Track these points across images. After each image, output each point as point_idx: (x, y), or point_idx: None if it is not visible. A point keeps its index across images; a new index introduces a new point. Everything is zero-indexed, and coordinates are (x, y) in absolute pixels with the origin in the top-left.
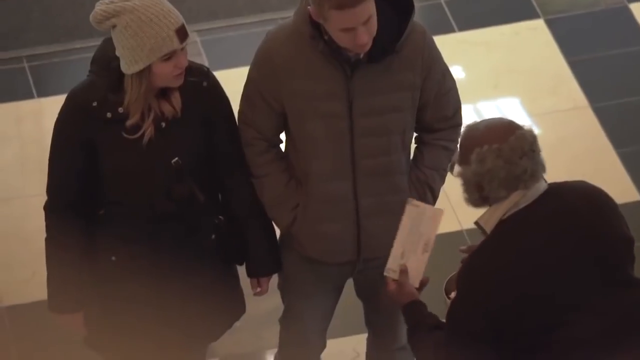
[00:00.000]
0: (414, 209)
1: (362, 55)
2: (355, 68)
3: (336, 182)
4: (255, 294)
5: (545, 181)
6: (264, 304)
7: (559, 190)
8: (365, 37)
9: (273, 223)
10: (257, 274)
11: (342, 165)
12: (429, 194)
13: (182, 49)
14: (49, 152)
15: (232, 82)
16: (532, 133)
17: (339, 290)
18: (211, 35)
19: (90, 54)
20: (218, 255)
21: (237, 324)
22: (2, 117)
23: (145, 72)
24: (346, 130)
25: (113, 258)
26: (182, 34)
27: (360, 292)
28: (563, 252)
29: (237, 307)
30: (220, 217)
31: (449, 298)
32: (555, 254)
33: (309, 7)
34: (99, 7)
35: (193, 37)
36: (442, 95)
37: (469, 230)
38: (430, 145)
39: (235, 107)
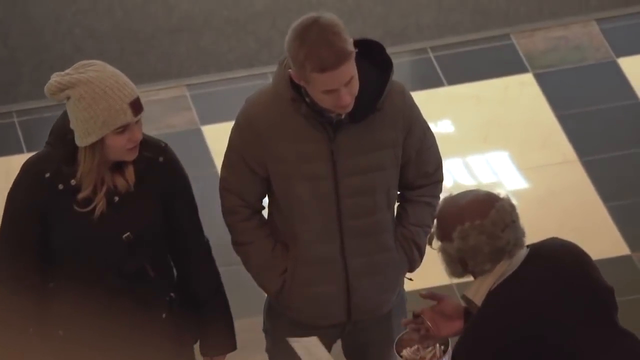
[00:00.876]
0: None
1: (343, 116)
2: (338, 129)
3: (324, 244)
4: None
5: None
6: (253, 358)
7: (539, 251)
8: (348, 98)
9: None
10: (212, 353)
11: (329, 227)
12: (415, 251)
13: (137, 122)
14: (1, 222)
15: (222, 136)
16: (510, 202)
17: (328, 351)
18: (201, 90)
19: None
20: (170, 333)
21: None
22: None
23: (98, 145)
24: (331, 191)
25: (60, 332)
26: (136, 107)
27: (348, 352)
28: (559, 309)
29: None
30: (171, 294)
31: (400, 356)
32: (552, 312)
33: (289, 70)
34: (54, 79)
35: (182, 91)
36: (424, 152)
37: (459, 285)
38: (414, 203)
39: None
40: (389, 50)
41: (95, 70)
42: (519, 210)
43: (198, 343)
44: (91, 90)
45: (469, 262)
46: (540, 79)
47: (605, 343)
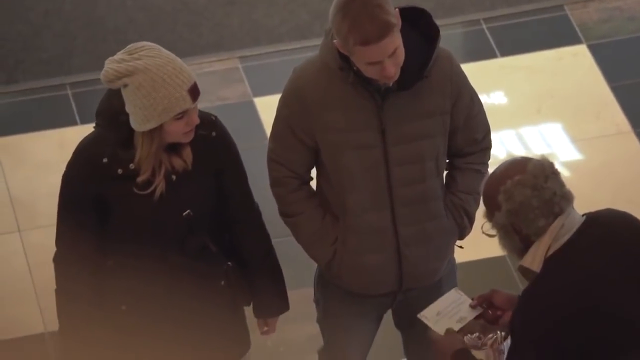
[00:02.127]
0: (458, 295)
1: (391, 83)
2: (386, 97)
3: (374, 213)
4: (262, 334)
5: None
6: (303, 329)
7: (596, 219)
8: (392, 69)
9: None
10: (265, 315)
11: (379, 196)
12: (465, 218)
13: (194, 106)
14: (58, 204)
15: (274, 108)
16: (547, 159)
17: (378, 320)
18: (253, 62)
19: None
20: (227, 299)
21: (281, 348)
22: (46, 144)
23: (157, 130)
24: (381, 160)
25: (123, 307)
26: (194, 92)
27: (399, 323)
28: (618, 277)
29: (242, 346)
30: (229, 263)
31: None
32: (611, 280)
33: (334, 40)
34: (109, 66)
35: (235, 63)
36: (472, 119)
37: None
38: (463, 170)
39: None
40: (441, 22)
41: (151, 56)
42: (572, 182)
43: (251, 306)
44: (150, 79)
45: (522, 225)
46: (594, 50)
47: None
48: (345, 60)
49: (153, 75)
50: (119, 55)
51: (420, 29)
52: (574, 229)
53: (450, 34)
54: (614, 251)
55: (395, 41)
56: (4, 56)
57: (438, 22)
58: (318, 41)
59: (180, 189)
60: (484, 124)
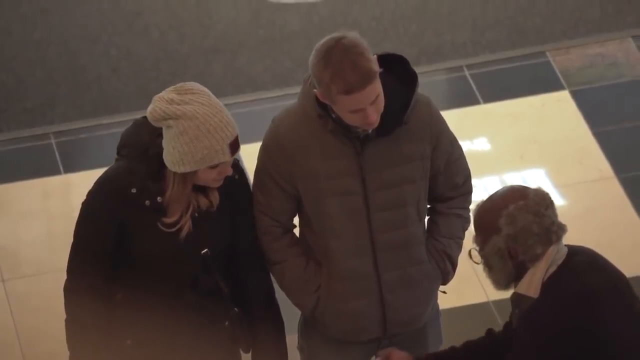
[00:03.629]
0: None
1: (370, 130)
2: (365, 143)
3: (357, 259)
4: None
5: None
6: None
7: (577, 250)
8: (374, 115)
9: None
10: None
11: (361, 242)
12: (448, 263)
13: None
14: (74, 233)
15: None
16: (542, 189)
17: None
18: (237, 110)
19: (117, 130)
20: (227, 341)
21: None
22: (29, 193)
23: (190, 174)
24: (362, 206)
25: (128, 342)
26: (234, 147)
27: None
28: (614, 297)
29: None
30: (235, 309)
31: None
32: (608, 299)
33: (314, 90)
34: (158, 105)
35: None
36: (452, 163)
37: (495, 302)
38: (444, 215)
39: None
40: (424, 69)
41: (201, 103)
42: None
43: (250, 353)
44: (195, 127)
45: (519, 250)
46: (576, 96)
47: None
48: (323, 108)
49: (199, 124)
50: (167, 94)
51: (397, 75)
52: (565, 256)
53: (432, 81)
54: (603, 275)
55: (377, 88)
56: None
57: (420, 68)
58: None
59: (201, 227)
60: (464, 168)
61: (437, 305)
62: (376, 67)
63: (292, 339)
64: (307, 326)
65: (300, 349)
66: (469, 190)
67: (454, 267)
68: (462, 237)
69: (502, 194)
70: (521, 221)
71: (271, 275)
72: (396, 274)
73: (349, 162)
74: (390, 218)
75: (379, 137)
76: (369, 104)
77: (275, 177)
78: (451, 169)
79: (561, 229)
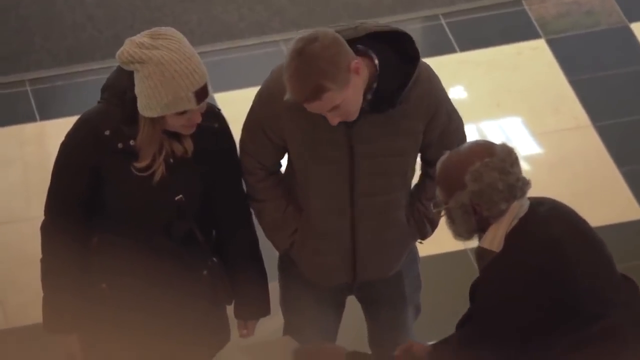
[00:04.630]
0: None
1: (366, 101)
2: (360, 113)
3: (334, 220)
4: (241, 336)
5: None
6: (269, 322)
7: (540, 201)
8: (335, 119)
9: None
10: (245, 317)
11: (341, 204)
12: (428, 225)
13: (198, 107)
14: (52, 173)
15: (234, 104)
16: (507, 144)
17: (338, 307)
18: (213, 57)
19: (92, 77)
20: (207, 291)
21: (241, 342)
22: (5, 141)
23: (158, 118)
24: (347, 173)
25: (104, 285)
26: (201, 94)
27: (363, 308)
28: (581, 247)
29: (222, 338)
30: (213, 258)
31: None
32: (575, 250)
33: None
34: (127, 47)
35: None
36: (447, 135)
37: (472, 250)
38: (434, 180)
39: (237, 131)
40: (401, 17)
41: (170, 50)
42: (531, 175)
43: (232, 306)
44: (160, 72)
45: (483, 206)
46: (552, 44)
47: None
48: None
49: (164, 69)
50: (140, 37)
51: (399, 53)
52: (527, 206)
53: (409, 29)
54: (565, 225)
55: (332, 101)
56: None
57: (397, 17)
58: (277, 37)
59: (176, 173)
60: (460, 139)
61: (416, 250)
62: (330, 85)
63: (274, 286)
64: (283, 262)
65: (279, 283)
66: None
67: (433, 228)
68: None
69: (468, 150)
70: (487, 178)
71: (255, 232)
72: (372, 236)
73: (338, 133)
74: (373, 185)
75: (372, 113)
76: (325, 111)
77: (264, 128)
78: (445, 140)
79: (526, 184)
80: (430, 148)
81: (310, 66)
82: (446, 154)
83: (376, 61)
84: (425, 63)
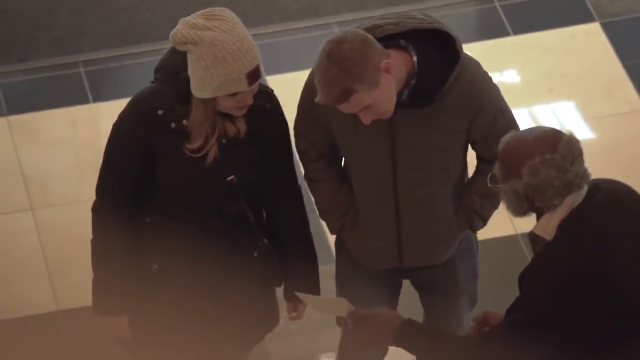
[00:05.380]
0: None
1: (404, 95)
2: (399, 106)
3: (377, 207)
4: (290, 319)
5: None
6: None
7: (598, 186)
8: (368, 119)
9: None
10: (295, 299)
11: (385, 194)
12: (477, 219)
13: (250, 89)
14: (104, 153)
15: (286, 86)
16: (575, 137)
17: (393, 290)
18: (266, 40)
19: (145, 59)
20: (258, 272)
21: (293, 327)
22: (58, 122)
23: (211, 100)
24: (389, 164)
25: (155, 266)
26: (253, 76)
27: (421, 293)
28: (632, 237)
29: (271, 320)
30: (264, 240)
31: None
32: (625, 243)
33: None
34: (180, 28)
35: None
36: (492, 136)
37: (524, 235)
38: (484, 175)
39: (289, 113)
40: (456, 0)
41: (223, 31)
42: (585, 161)
43: (282, 288)
44: (212, 54)
45: (537, 198)
46: (606, 28)
47: None
48: None
49: (216, 50)
50: (194, 18)
51: (441, 50)
52: (584, 195)
53: (463, 12)
54: (620, 213)
55: (361, 102)
56: (17, 34)
57: (452, 0)
58: (330, 19)
59: (228, 154)
60: None
61: (475, 239)
62: (359, 86)
63: (325, 270)
64: (337, 244)
65: (335, 261)
66: None
67: (484, 222)
68: (497, 196)
69: (532, 141)
70: (543, 174)
71: (306, 214)
72: (416, 227)
73: (380, 122)
74: (416, 178)
75: (410, 108)
76: (356, 112)
77: (313, 112)
78: (491, 140)
79: (584, 178)
80: (476, 144)
81: (337, 68)
82: (511, 134)
83: (415, 58)
84: (475, 62)
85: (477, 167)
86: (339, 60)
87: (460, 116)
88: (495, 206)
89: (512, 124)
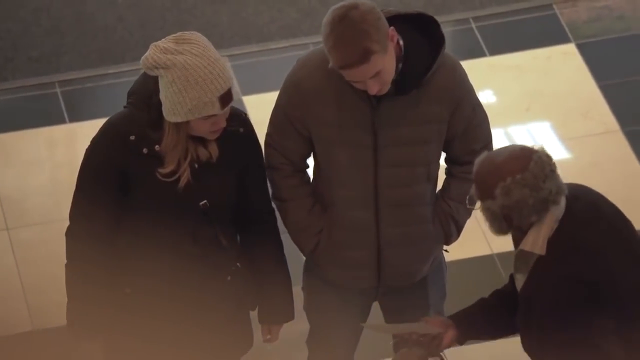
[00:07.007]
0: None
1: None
2: (382, 99)
3: (360, 211)
4: (264, 341)
5: None
6: (294, 326)
7: (575, 197)
8: (375, 87)
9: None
10: (270, 321)
11: (365, 194)
12: (453, 226)
13: (223, 112)
14: (77, 179)
15: (264, 106)
16: (546, 153)
17: (363, 313)
18: (243, 60)
19: (123, 79)
20: (231, 295)
21: (268, 347)
22: (34, 142)
23: (183, 124)
24: (370, 160)
25: (127, 290)
26: (225, 100)
27: (386, 316)
28: (617, 249)
29: (245, 343)
30: (237, 264)
31: None
32: (612, 252)
33: None
34: (152, 53)
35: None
36: (471, 130)
37: (499, 254)
38: (458, 178)
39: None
40: None
41: (194, 54)
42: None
43: (256, 311)
44: (184, 77)
45: (514, 217)
46: (582, 49)
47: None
48: None
49: (188, 74)
50: (165, 42)
51: (427, 36)
52: (564, 209)
53: None
54: (603, 226)
55: (377, 65)
56: None
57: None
58: (307, 39)
59: (201, 179)
60: (485, 135)
61: (443, 259)
62: (378, 46)
63: (299, 290)
64: (308, 268)
65: (303, 288)
66: None
67: (458, 231)
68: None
69: (502, 161)
70: (516, 194)
71: (280, 237)
72: (397, 230)
73: (363, 115)
74: (397, 175)
75: (397, 95)
76: (368, 78)
77: (290, 118)
78: (470, 135)
79: (560, 193)
80: (454, 142)
81: (356, 29)
82: (483, 155)
83: (401, 42)
84: (451, 54)
85: (447, 172)
86: (355, 22)
87: (444, 104)
88: (469, 213)
89: (486, 118)
